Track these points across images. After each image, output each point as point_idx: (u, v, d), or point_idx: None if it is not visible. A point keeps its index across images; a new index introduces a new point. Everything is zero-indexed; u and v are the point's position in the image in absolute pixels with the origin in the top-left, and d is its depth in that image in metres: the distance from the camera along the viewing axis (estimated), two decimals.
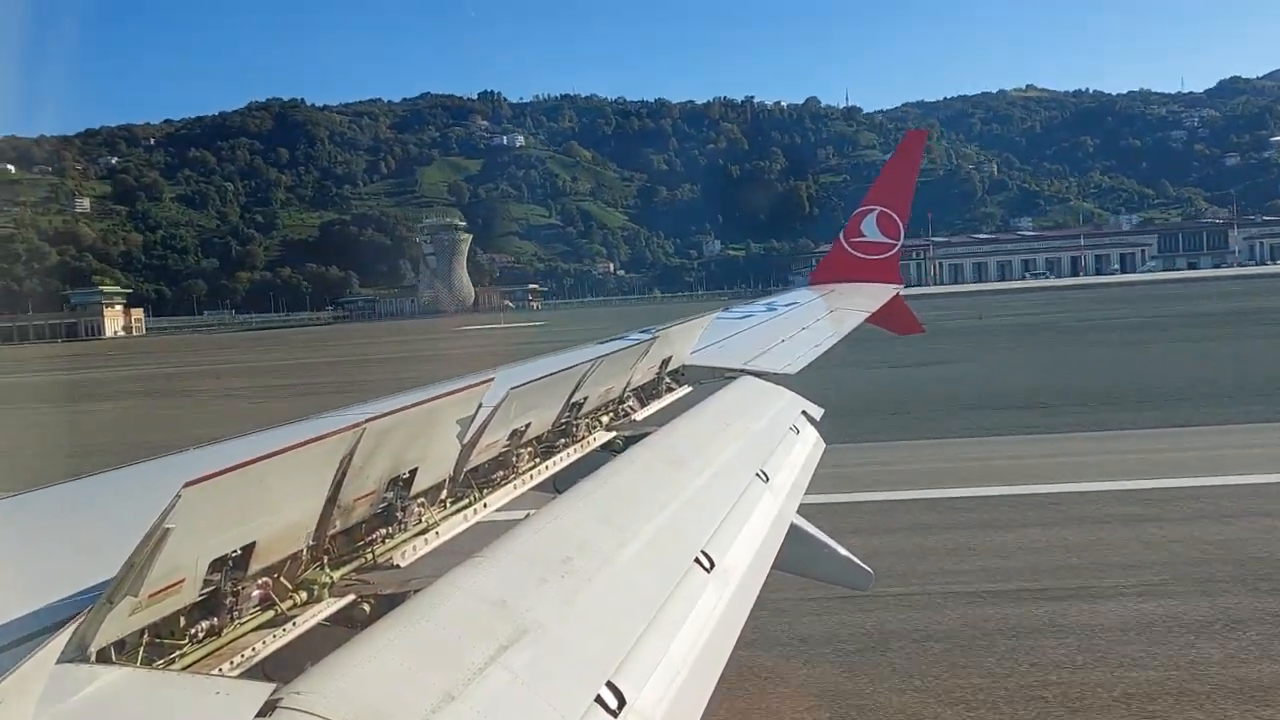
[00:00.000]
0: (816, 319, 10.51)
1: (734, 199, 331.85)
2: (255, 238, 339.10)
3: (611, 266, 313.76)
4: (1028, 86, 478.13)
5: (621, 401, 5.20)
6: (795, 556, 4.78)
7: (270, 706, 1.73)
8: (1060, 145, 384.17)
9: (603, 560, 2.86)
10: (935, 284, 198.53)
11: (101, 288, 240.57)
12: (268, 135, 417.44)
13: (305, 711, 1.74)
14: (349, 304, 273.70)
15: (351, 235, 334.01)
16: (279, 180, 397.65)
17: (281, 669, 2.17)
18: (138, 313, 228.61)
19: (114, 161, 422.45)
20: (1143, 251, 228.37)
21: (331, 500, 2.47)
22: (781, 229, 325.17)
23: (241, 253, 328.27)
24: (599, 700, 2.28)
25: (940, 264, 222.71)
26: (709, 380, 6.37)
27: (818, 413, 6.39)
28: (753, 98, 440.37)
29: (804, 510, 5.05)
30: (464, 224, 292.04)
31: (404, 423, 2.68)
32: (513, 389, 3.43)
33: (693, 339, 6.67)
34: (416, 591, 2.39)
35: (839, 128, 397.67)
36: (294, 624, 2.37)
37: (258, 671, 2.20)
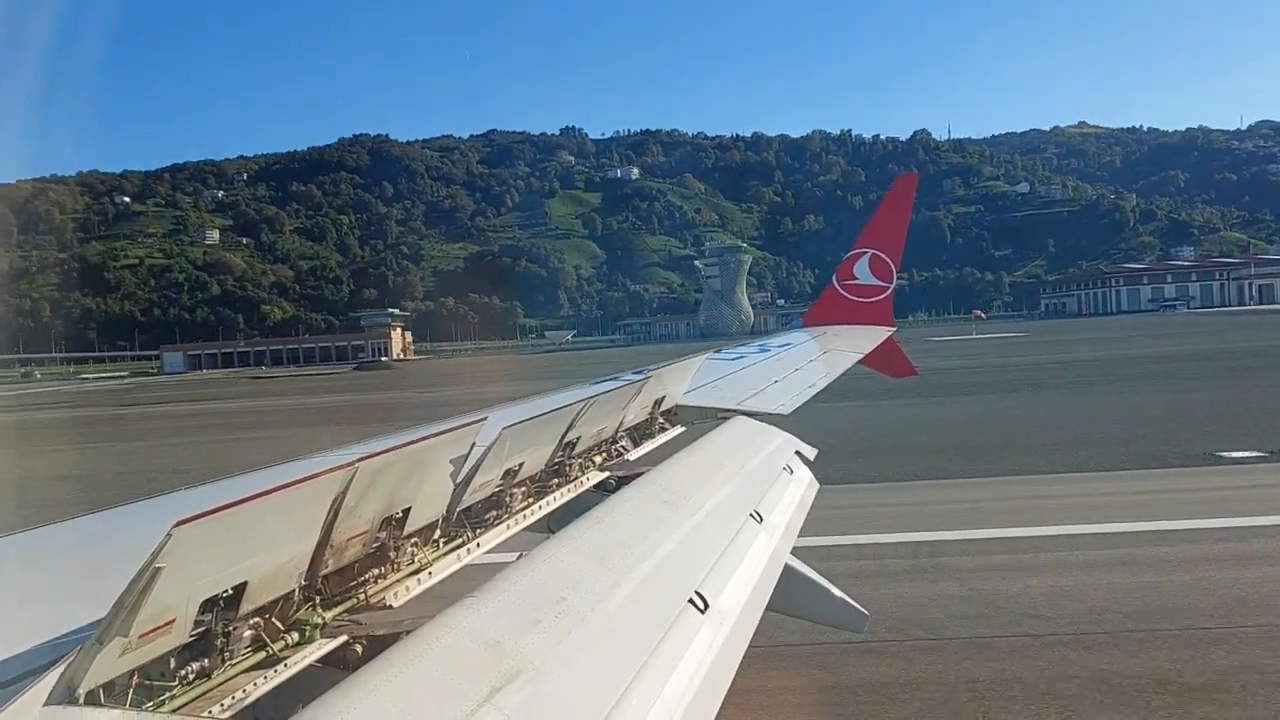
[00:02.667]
0: (810, 360, 10.62)
1: (857, 231, 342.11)
2: (410, 269, 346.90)
3: (770, 296, 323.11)
4: (1080, 123, 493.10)
5: (615, 441, 5.25)
6: (789, 597, 4.84)
7: None
8: (1148, 179, 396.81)
9: (597, 601, 2.85)
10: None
11: (391, 310, 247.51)
12: (366, 169, 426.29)
13: None
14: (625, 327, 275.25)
15: (505, 266, 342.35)
16: (389, 214, 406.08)
17: (272, 711, 2.18)
18: (408, 335, 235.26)
19: (220, 195, 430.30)
20: None
21: (324, 540, 2.47)
22: (926, 258, 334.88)
23: (399, 283, 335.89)
24: None
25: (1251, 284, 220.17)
26: (702, 420, 6.40)
27: (811, 453, 6.42)
28: (850, 130, 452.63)
29: (797, 551, 5.00)
30: (745, 245, 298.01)
31: (397, 462, 2.68)
32: (506, 428, 3.44)
33: (686, 379, 6.73)
34: (409, 632, 2.37)
35: (951, 159, 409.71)
36: (285, 665, 2.37)
37: (248, 714, 2.20)
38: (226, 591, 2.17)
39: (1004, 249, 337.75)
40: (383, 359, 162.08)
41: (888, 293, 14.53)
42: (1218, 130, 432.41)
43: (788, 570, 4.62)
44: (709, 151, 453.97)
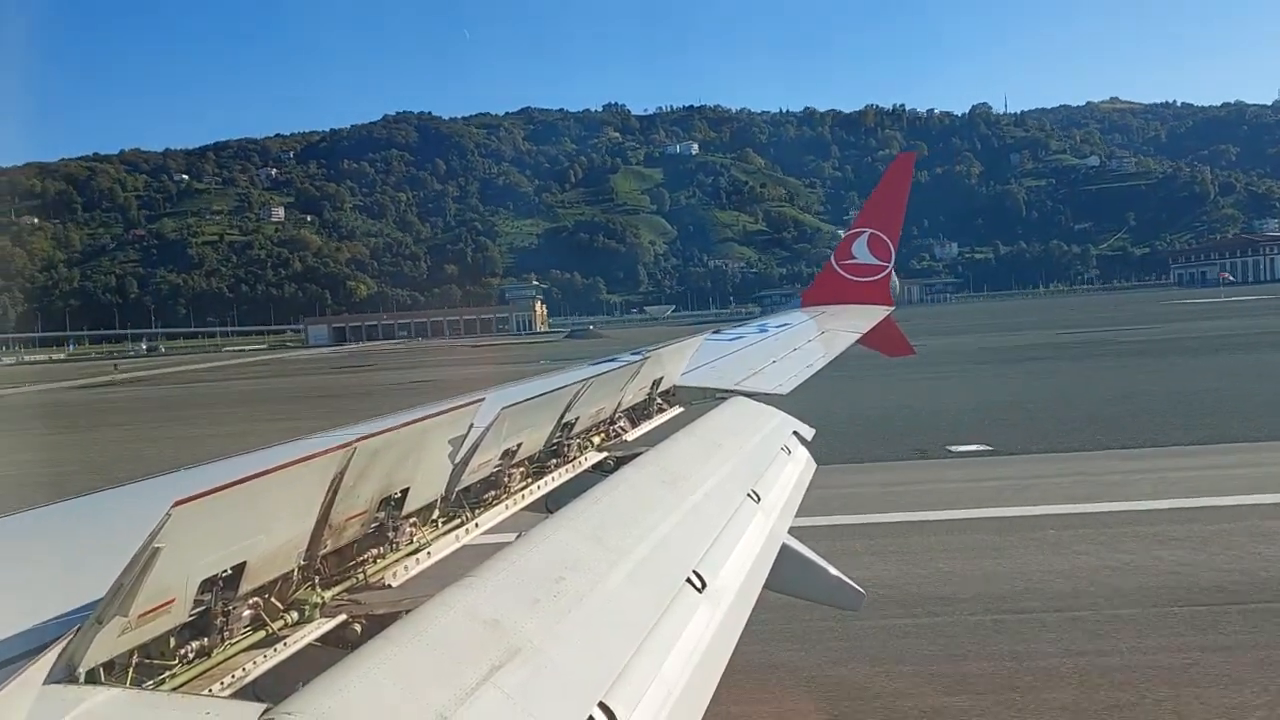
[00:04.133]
0: (808, 340, 10.62)
1: (940, 204, 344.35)
2: (488, 245, 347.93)
3: None
4: (1112, 99, 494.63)
5: (613, 422, 5.29)
6: (786, 577, 4.85)
7: None
8: (1197, 153, 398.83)
9: (595, 580, 2.87)
10: None
11: (536, 284, 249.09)
12: (416, 146, 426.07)
13: None
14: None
15: (582, 242, 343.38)
16: (446, 190, 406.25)
17: (272, 689, 2.16)
18: (544, 308, 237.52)
19: (274, 173, 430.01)
20: None
21: (323, 520, 2.48)
22: (1004, 232, 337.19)
23: (479, 259, 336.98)
24: None
25: None
26: (700, 401, 6.41)
27: (809, 433, 6.43)
28: (904, 105, 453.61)
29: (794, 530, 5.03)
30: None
31: (395, 442, 2.68)
32: (505, 408, 3.46)
33: (684, 360, 6.75)
34: (408, 611, 2.38)
35: (1014, 134, 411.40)
36: (285, 644, 2.38)
37: (249, 692, 2.20)
38: (226, 571, 2.17)
39: (1083, 222, 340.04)
40: (590, 327, 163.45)
41: (886, 272, 14.55)
42: (1254, 105, 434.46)
43: (785, 550, 4.65)
44: (761, 127, 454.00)
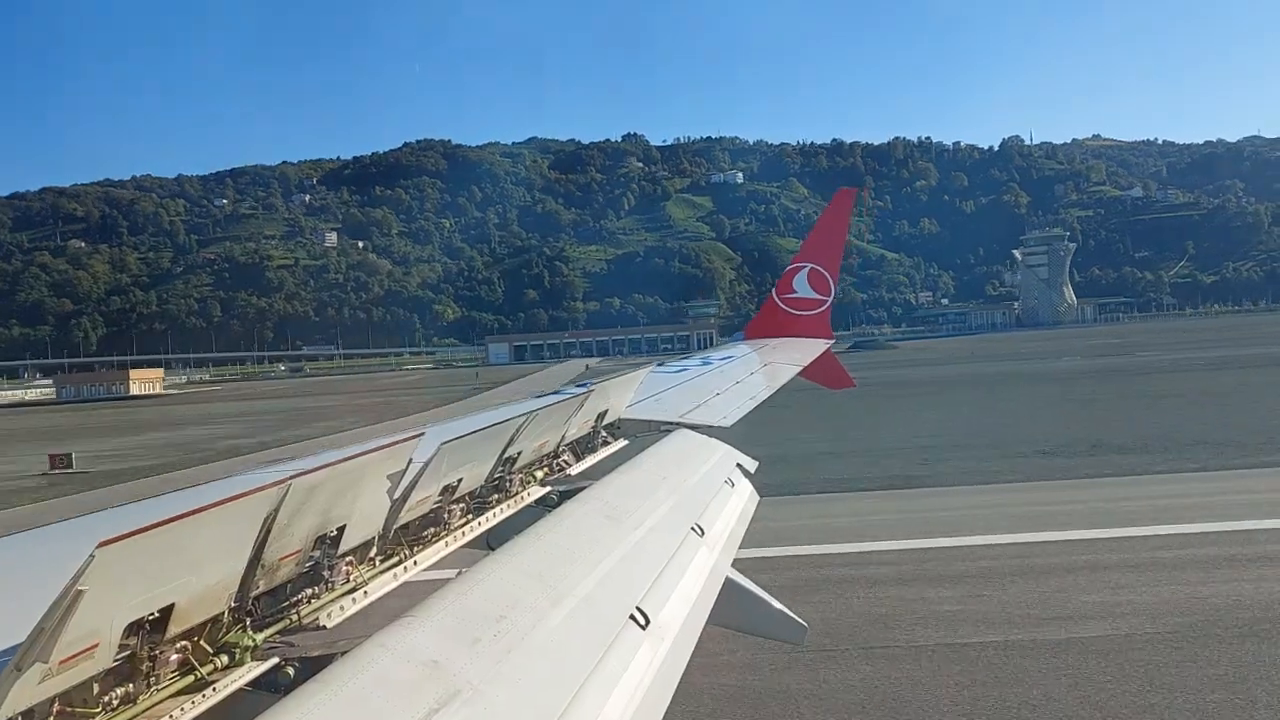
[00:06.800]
0: (750, 372, 10.67)
1: (992, 233, 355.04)
2: (562, 270, 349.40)
3: (932, 296, 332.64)
4: (1094, 136, 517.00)
5: (556, 455, 5.23)
6: (730, 611, 4.79)
7: None
8: (1203, 188, 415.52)
9: (537, 619, 2.81)
10: None
11: (714, 303, 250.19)
12: (447, 174, 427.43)
13: None
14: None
15: (657, 268, 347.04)
16: (486, 219, 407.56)
17: None
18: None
19: (307, 200, 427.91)
20: None
21: (255, 560, 2.41)
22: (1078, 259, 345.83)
23: (559, 283, 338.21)
24: None
25: None
26: (645, 434, 6.37)
27: (752, 465, 6.41)
28: (929, 137, 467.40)
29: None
30: (1068, 234, 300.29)
31: (331, 479, 2.62)
32: (444, 443, 3.39)
33: (629, 392, 6.73)
34: (344, 653, 2.32)
35: (1048, 166, 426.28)
36: (215, 689, 2.31)
37: None
38: (153, 614, 2.10)
39: (1141, 251, 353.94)
40: (875, 336, 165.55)
41: (825, 305, 14.68)
42: (1238, 141, 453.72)
43: (728, 583, 4.65)
44: (793, 158, 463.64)
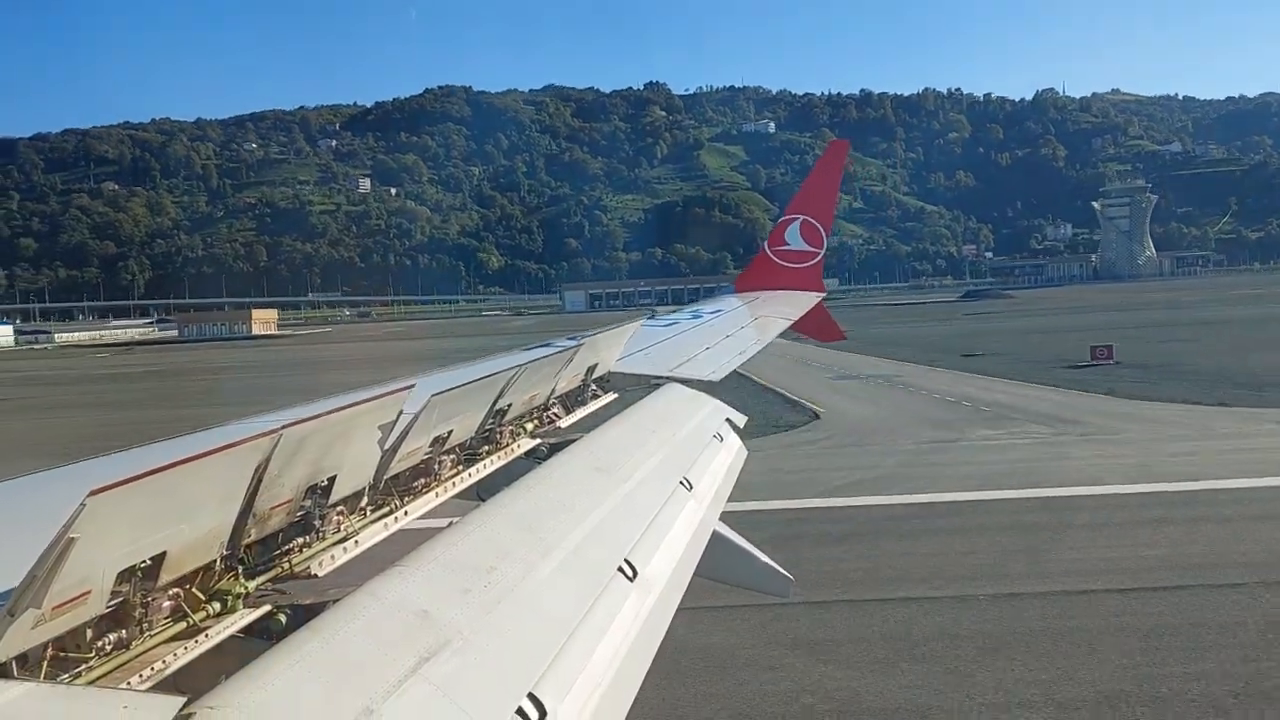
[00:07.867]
0: (740, 326, 10.68)
1: (1030, 187, 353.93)
2: (601, 219, 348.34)
3: (976, 249, 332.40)
4: (1114, 90, 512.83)
5: (546, 408, 5.24)
6: (717, 563, 4.85)
7: None
8: (1232, 144, 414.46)
9: (526, 569, 2.85)
10: None
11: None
12: (471, 121, 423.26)
13: None
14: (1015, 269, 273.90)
15: (697, 217, 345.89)
16: (514, 165, 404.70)
17: (194, 682, 2.10)
18: None
19: (334, 145, 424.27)
20: None
21: (246, 508, 2.43)
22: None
23: (599, 232, 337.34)
24: (520, 712, 2.28)
25: None
26: (634, 388, 6.41)
27: (741, 420, 6.44)
28: (959, 89, 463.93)
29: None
30: (1149, 185, 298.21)
31: (322, 429, 2.63)
32: (435, 395, 3.41)
33: (619, 346, 6.73)
34: (335, 602, 2.34)
35: (1084, 119, 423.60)
36: (207, 636, 2.32)
37: (169, 685, 2.15)
38: (145, 561, 2.11)
39: (1183, 207, 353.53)
40: (991, 286, 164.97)
41: (818, 258, 14.55)
42: (1262, 94, 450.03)
43: (716, 537, 4.71)
44: (821, 108, 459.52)
